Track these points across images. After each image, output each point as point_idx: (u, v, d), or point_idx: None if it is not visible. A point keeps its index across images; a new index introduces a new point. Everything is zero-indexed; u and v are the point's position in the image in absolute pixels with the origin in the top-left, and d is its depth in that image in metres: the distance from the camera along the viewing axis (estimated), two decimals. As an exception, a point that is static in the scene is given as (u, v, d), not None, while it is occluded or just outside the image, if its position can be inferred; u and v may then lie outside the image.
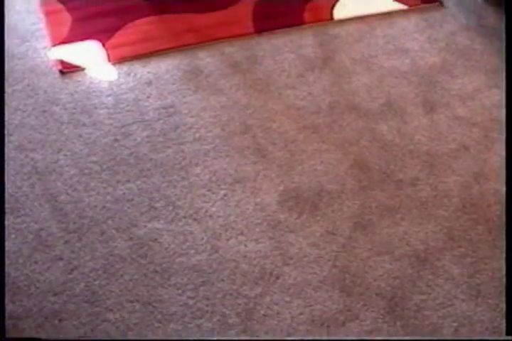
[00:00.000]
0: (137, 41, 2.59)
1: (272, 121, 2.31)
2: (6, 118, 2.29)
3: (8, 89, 2.39)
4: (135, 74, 2.45)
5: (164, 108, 2.34)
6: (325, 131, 2.29)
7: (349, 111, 2.35)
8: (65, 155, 2.19)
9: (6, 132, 2.25)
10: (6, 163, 2.16)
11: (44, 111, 2.33)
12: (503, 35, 2.68)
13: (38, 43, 2.58)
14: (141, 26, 2.65)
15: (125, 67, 2.48)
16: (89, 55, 2.54)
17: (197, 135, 2.26)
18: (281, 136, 2.27)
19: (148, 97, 2.37)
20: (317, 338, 1.87)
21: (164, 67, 2.48)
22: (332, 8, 2.77)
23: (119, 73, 2.46)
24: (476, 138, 2.30)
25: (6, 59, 2.50)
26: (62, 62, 2.50)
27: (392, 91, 2.43)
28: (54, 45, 2.57)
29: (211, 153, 2.21)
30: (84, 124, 2.29)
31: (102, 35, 2.60)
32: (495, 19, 2.77)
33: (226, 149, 2.23)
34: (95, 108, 2.34)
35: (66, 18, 2.68)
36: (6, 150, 2.20)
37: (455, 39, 2.67)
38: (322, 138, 2.27)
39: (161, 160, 2.19)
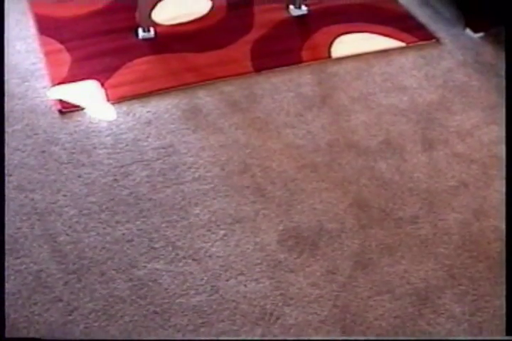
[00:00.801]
0: (136, 81, 2.64)
1: (271, 160, 2.35)
2: (6, 158, 2.33)
3: (7, 129, 2.43)
4: (134, 114, 2.50)
5: (163, 148, 2.37)
6: (324, 170, 2.33)
7: (348, 150, 2.39)
8: (65, 196, 2.22)
9: (5, 172, 2.28)
10: (5, 203, 2.19)
11: (43, 152, 2.36)
12: (500, 72, 2.73)
13: (38, 83, 2.63)
14: (140, 66, 2.70)
15: (124, 107, 2.53)
16: (89, 95, 2.58)
17: (196, 174, 2.29)
18: (280, 175, 2.30)
19: (147, 137, 2.41)
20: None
21: (163, 107, 2.52)
22: (330, 46, 2.83)
23: (118, 113, 2.50)
24: (475, 175, 2.33)
25: (6, 99, 2.54)
26: (61, 101, 2.55)
27: (390, 129, 2.47)
28: (53, 85, 2.61)
29: (210, 193, 2.24)
30: (83, 164, 2.32)
31: (101, 75, 2.65)
32: (491, 56, 2.82)
33: (225, 189, 2.26)
34: (94, 148, 2.37)
35: (66, 58, 2.74)
36: (6, 190, 2.23)
37: (452, 76, 2.72)
38: (321, 176, 2.31)
39: (161, 200, 2.22)
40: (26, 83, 2.63)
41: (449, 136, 2.46)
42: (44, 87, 2.61)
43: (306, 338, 1.90)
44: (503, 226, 2.17)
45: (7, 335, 1.89)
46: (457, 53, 2.84)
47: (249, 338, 1.89)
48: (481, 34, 2.94)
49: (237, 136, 2.42)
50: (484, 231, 2.17)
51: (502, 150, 2.41)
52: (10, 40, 2.85)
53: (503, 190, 2.28)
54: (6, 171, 2.29)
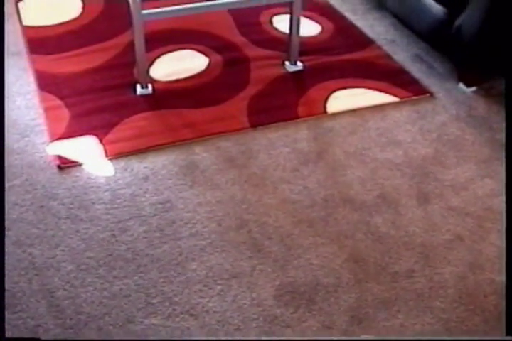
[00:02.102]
0: (134, 137, 2.70)
1: (267, 215, 2.40)
2: (4, 212, 2.38)
3: (6, 184, 2.48)
4: (132, 170, 2.56)
5: (161, 203, 2.43)
6: (320, 225, 2.38)
7: (344, 205, 2.45)
8: (63, 251, 2.26)
9: (4, 227, 2.33)
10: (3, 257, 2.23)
11: (42, 207, 2.41)
12: (494, 125, 2.81)
13: (37, 138, 2.69)
14: (138, 122, 2.78)
15: (122, 163, 2.59)
16: (87, 151, 2.64)
17: (193, 230, 2.34)
18: (276, 230, 2.35)
19: (145, 192, 2.47)
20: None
21: (161, 162, 2.59)
22: (325, 101, 2.91)
23: (116, 168, 2.57)
24: (470, 229, 2.38)
25: (5, 154, 2.60)
26: (60, 157, 2.60)
27: (386, 184, 2.53)
28: (52, 141, 2.68)
29: (207, 249, 2.29)
30: (81, 219, 2.37)
31: (100, 131, 2.72)
32: (484, 109, 2.91)
33: (222, 244, 2.30)
34: (93, 203, 2.43)
35: (65, 114, 2.81)
36: (4, 245, 2.26)
37: (446, 130, 2.80)
38: (317, 231, 2.35)
39: (158, 255, 2.26)
40: (26, 138, 2.70)
41: (443, 189, 2.52)
42: (43, 143, 2.67)
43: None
44: (499, 278, 2.21)
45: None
46: (451, 107, 2.93)
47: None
48: (473, 88, 3.03)
49: (234, 191, 2.48)
50: (480, 284, 2.20)
51: (497, 203, 2.47)
52: (10, 95, 2.93)
53: (499, 243, 2.32)
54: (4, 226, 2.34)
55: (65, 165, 2.58)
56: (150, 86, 2.97)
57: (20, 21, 3.48)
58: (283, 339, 1.93)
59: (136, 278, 2.19)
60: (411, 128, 2.80)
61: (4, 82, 2.95)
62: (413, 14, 3.19)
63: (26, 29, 3.41)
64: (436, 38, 3.10)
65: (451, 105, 2.94)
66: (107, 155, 2.62)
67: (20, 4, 3.63)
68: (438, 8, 3.00)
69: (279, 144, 2.69)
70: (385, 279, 2.21)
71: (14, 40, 3.33)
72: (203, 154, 2.64)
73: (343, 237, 2.34)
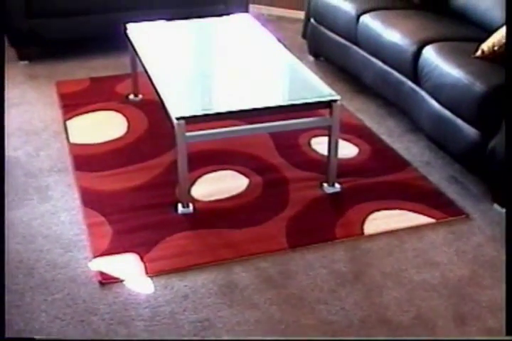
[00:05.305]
0: (174, 255, 2.80)
1: (305, 336, 2.42)
2: (45, 326, 2.45)
3: (48, 298, 2.58)
4: (172, 288, 2.64)
5: (200, 321, 2.49)
6: (357, 347, 2.43)
7: (380, 326, 2.49)
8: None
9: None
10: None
11: (82, 321, 2.48)
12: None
13: (80, 254, 2.81)
14: (179, 240, 2.88)
15: (162, 280, 2.68)
16: (128, 268, 2.74)
17: (232, 350, 2.40)
18: (314, 350, 2.40)
19: (184, 310, 2.53)
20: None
21: (200, 281, 2.67)
22: (363, 223, 3.01)
23: (156, 286, 2.65)
24: (508, 353, 2.41)
25: (48, 268, 2.72)
26: (102, 273, 2.70)
27: (422, 305, 2.58)
28: (95, 257, 2.78)
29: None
30: (121, 335, 2.43)
31: (141, 249, 2.83)
32: (520, 231, 2.98)
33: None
34: (132, 319, 2.49)
35: (107, 231, 2.93)
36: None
37: (482, 251, 2.86)
38: (354, 353, 2.40)
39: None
40: (69, 253, 2.81)
41: (481, 310, 2.55)
42: (85, 258, 2.78)
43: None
44: None
45: None
46: (486, 228, 3.00)
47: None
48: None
49: (272, 311, 2.54)
50: None
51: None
52: (56, 210, 3.08)
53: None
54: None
55: (107, 281, 2.67)
56: (191, 205, 3.09)
57: (68, 139, 3.69)
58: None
59: None
60: (447, 249, 2.87)
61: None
62: (447, 136, 3.33)
63: (73, 147, 3.61)
64: (471, 159, 3.23)
65: (487, 226, 3.02)
66: (147, 273, 2.71)
67: (68, 123, 3.85)
68: (472, 131, 3.13)
69: (317, 265, 2.77)
70: None
71: (61, 157, 3.53)
72: (242, 274, 2.72)
73: (380, 359, 2.37)
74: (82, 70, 4.65)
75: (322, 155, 3.47)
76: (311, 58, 4.84)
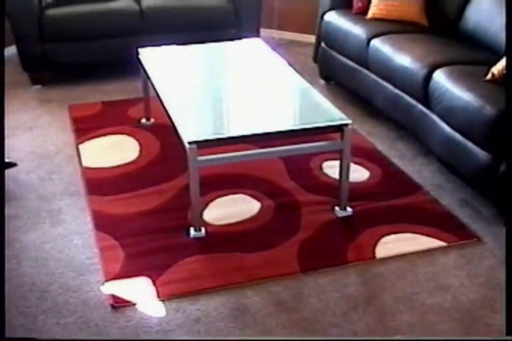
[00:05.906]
0: (186, 279, 2.81)
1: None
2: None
3: (60, 321, 2.59)
4: (184, 311, 2.65)
5: (214, 346, 2.51)
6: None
7: (392, 350, 2.50)
8: None
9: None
10: None
11: (94, 345, 2.50)
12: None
13: (92, 277, 2.82)
14: (191, 264, 2.89)
15: (174, 304, 2.69)
16: (140, 291, 2.75)
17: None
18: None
19: (196, 334, 2.54)
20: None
21: (212, 305, 2.68)
22: (374, 246, 3.02)
23: (168, 309, 2.66)
24: (521, 379, 2.40)
25: (61, 291, 2.74)
26: (114, 296, 2.71)
27: (434, 328, 2.58)
28: (107, 280, 2.80)
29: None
30: (133, 360, 2.46)
31: (153, 272, 2.84)
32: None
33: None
34: (144, 343, 2.52)
35: (119, 255, 2.95)
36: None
37: (494, 274, 2.86)
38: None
39: None
40: (81, 277, 2.83)
41: (493, 334, 2.54)
42: (98, 282, 2.80)
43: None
44: None
45: None
46: (498, 251, 3.00)
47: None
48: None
49: (284, 335, 2.53)
50: None
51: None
52: (68, 234, 3.10)
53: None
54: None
55: (119, 304, 2.68)
56: (203, 229, 3.11)
57: (80, 163, 3.72)
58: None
59: None
60: (458, 272, 2.87)
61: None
62: (458, 160, 3.35)
63: (85, 170, 3.64)
64: (482, 183, 3.24)
65: (498, 249, 3.02)
66: (159, 296, 2.72)
67: (80, 146, 3.89)
68: (483, 154, 3.15)
69: (329, 289, 2.77)
70: None
71: (73, 181, 3.56)
72: (254, 298, 2.72)
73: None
74: (95, 94, 4.69)
75: (334, 179, 3.48)
76: (322, 82, 4.88)
